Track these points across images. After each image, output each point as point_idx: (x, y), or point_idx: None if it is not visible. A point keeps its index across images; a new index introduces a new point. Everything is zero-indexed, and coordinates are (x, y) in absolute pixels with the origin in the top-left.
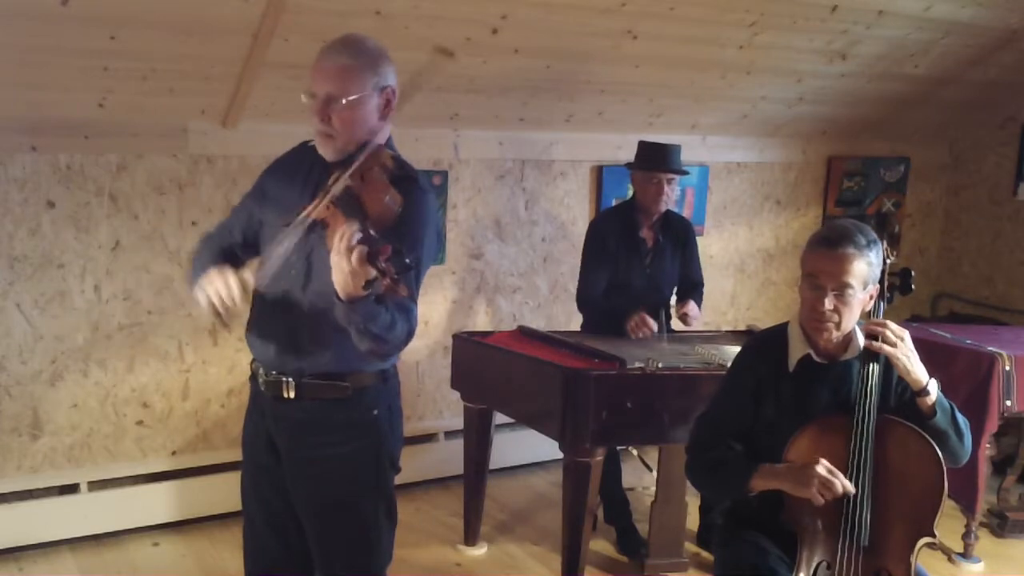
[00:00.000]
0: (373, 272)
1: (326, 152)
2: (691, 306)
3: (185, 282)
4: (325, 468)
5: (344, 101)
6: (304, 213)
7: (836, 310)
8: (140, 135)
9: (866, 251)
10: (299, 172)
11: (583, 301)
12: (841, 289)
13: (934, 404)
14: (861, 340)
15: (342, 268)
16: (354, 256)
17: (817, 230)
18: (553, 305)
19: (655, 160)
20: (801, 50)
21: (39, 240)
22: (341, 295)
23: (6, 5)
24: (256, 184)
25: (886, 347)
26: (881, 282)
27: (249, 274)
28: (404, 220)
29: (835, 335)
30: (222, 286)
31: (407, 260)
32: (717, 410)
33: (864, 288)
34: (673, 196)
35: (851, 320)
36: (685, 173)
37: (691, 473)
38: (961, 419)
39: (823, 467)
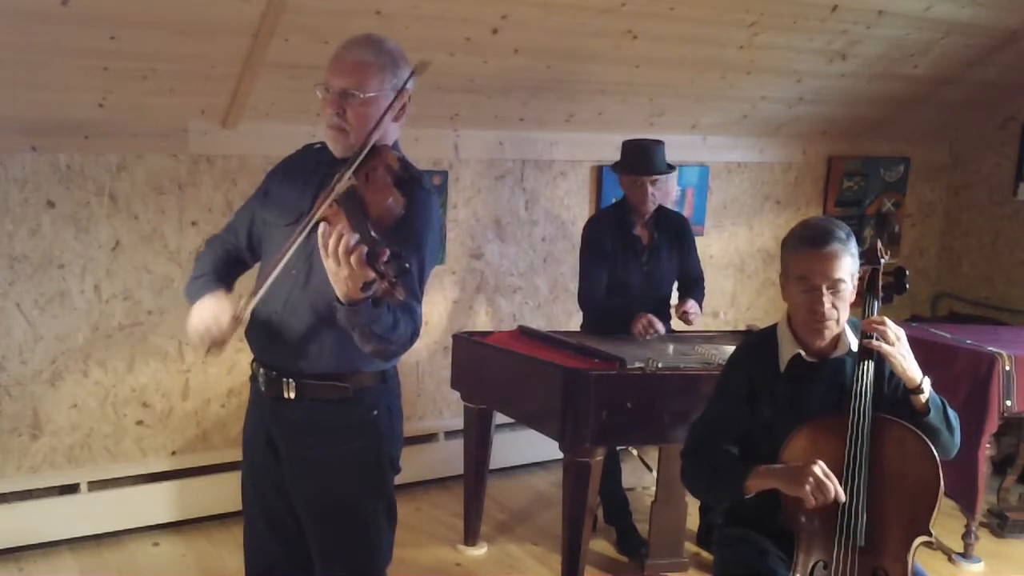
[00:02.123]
0: (371, 274)
1: (336, 147)
2: (691, 304)
3: (184, 293)
4: (325, 468)
5: (361, 96)
6: (307, 219)
7: (834, 307)
8: (140, 135)
9: (849, 244)
10: (302, 173)
11: (586, 302)
12: (835, 286)
13: (927, 401)
14: (851, 337)
15: (340, 273)
16: (353, 258)
17: (793, 231)
18: (553, 305)
19: (636, 164)
20: (801, 50)
21: (39, 240)
22: (341, 298)
23: (6, 5)
24: (260, 186)
25: (884, 346)
26: (875, 281)
27: (241, 304)
28: (407, 222)
29: (834, 332)
30: (212, 322)
31: (406, 264)
32: (711, 414)
33: (852, 280)
34: (663, 194)
35: (846, 314)
36: (669, 171)
37: (687, 478)
38: (952, 414)
39: (819, 468)
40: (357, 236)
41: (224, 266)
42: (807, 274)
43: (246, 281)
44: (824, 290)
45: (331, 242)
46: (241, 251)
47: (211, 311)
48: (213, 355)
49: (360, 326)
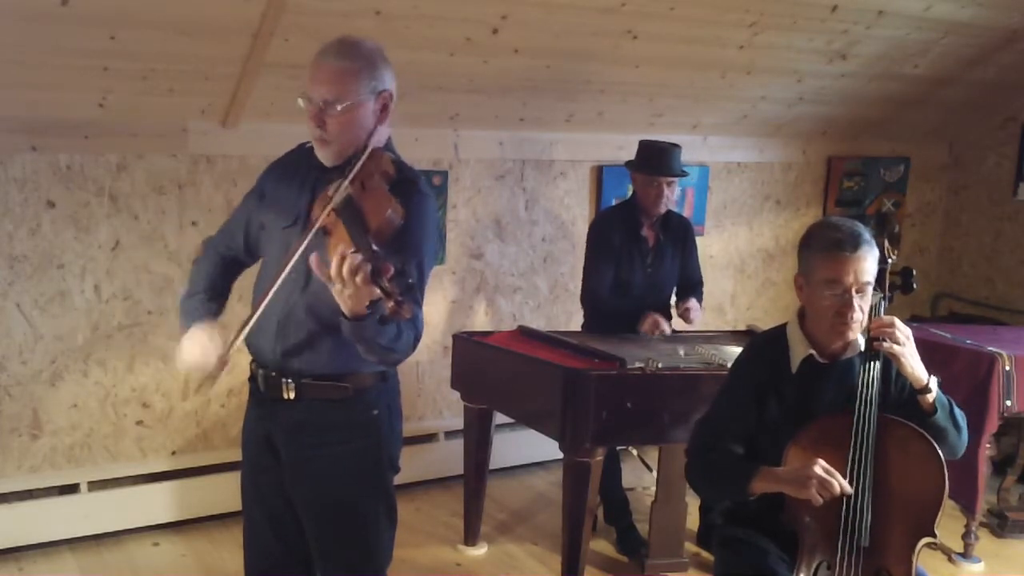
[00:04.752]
0: (377, 292)
1: (324, 157)
2: (692, 302)
3: (179, 309)
4: (325, 468)
5: (339, 107)
6: (307, 230)
7: (860, 309)
8: (140, 135)
9: (874, 245)
10: (297, 174)
11: (591, 298)
12: (864, 289)
13: (935, 401)
14: (860, 338)
15: (344, 292)
16: (359, 278)
17: (816, 233)
18: (553, 305)
19: (655, 164)
20: (801, 50)
21: (39, 240)
22: (347, 314)
23: (6, 5)
24: (254, 187)
25: (895, 347)
26: (882, 281)
27: (227, 343)
28: (405, 228)
29: (857, 333)
30: (202, 361)
31: (410, 280)
32: (718, 413)
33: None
34: (674, 197)
35: (867, 315)
36: (685, 175)
37: (691, 476)
38: (958, 413)
39: (820, 467)
40: (360, 255)
41: (220, 277)
42: (838, 277)
43: (246, 281)
44: (854, 294)
45: (334, 265)
46: (238, 254)
47: (201, 347)
48: (204, 391)
49: (365, 340)
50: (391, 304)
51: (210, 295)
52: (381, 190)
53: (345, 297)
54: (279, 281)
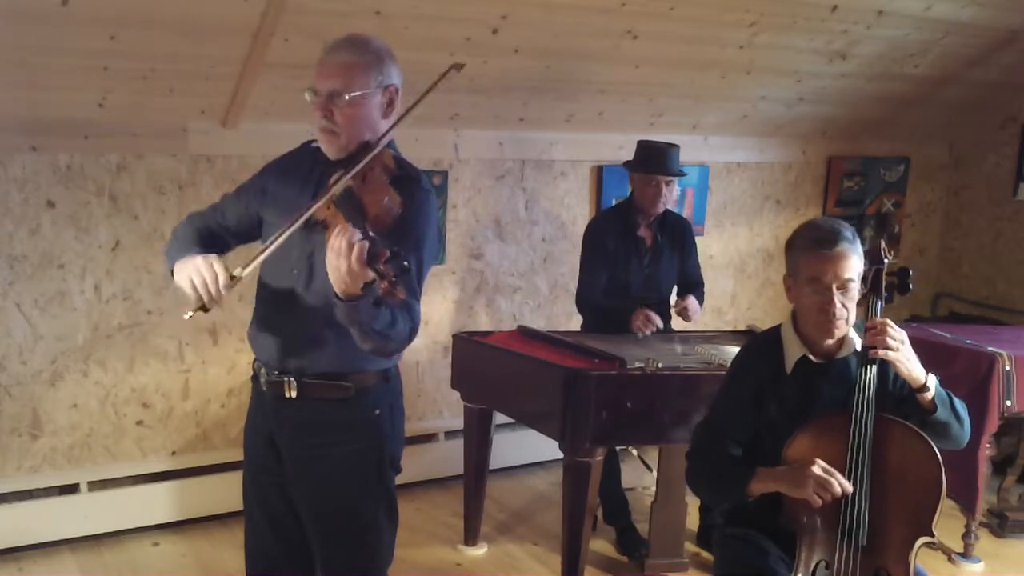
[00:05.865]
0: (371, 274)
1: (329, 149)
2: (691, 300)
3: (165, 257)
4: (326, 468)
5: (347, 97)
6: (306, 211)
7: (844, 306)
8: (140, 135)
9: (856, 243)
10: (299, 172)
11: (582, 302)
12: (846, 286)
13: (934, 399)
14: (855, 337)
15: (340, 268)
16: (354, 254)
17: (799, 233)
18: (553, 305)
19: (653, 163)
20: (801, 50)
21: (39, 240)
22: (340, 295)
23: (6, 5)
24: (255, 180)
25: (890, 354)
26: (878, 281)
27: (233, 264)
28: (405, 221)
29: (844, 331)
30: (208, 273)
31: (405, 263)
32: (716, 416)
33: (859, 279)
34: (672, 197)
35: (855, 314)
36: (683, 175)
37: (691, 479)
38: (959, 404)
39: (819, 467)
40: (359, 234)
41: (206, 240)
42: (818, 275)
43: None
44: (835, 290)
45: (332, 236)
46: (227, 231)
47: (208, 267)
48: (201, 311)
49: (359, 323)
50: (384, 284)
51: (199, 245)
52: (381, 182)
53: (341, 274)
54: (281, 240)
